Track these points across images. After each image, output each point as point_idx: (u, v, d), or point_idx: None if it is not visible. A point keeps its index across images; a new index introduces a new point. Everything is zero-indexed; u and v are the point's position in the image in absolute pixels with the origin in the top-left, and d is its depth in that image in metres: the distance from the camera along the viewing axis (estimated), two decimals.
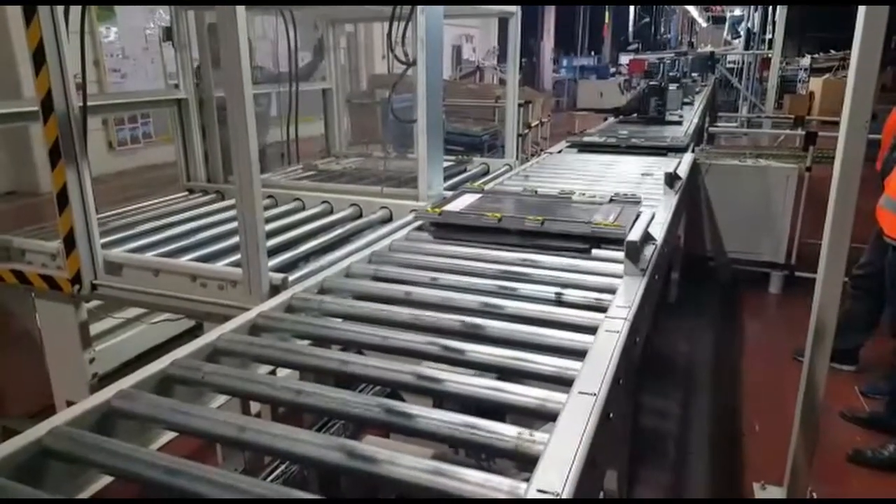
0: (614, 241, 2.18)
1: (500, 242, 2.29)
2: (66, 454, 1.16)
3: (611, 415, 1.27)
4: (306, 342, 1.70)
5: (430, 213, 2.55)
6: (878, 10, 2.10)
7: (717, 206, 5.34)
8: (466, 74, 17.35)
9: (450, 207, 2.59)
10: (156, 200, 3.45)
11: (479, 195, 2.83)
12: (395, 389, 1.48)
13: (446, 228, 2.47)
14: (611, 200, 2.65)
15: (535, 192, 2.94)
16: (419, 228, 2.55)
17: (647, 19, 28.48)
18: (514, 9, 3.99)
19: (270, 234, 2.56)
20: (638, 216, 2.31)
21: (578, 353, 1.45)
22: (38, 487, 1.08)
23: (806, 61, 16.61)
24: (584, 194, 2.79)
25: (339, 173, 4.02)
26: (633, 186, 3.31)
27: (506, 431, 1.16)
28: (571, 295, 1.84)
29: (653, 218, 2.25)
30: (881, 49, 2.15)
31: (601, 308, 1.72)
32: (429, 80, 2.78)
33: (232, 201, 2.52)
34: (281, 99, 3.93)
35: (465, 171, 4.09)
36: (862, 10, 2.13)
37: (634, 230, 2.07)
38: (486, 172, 4.12)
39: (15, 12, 2.53)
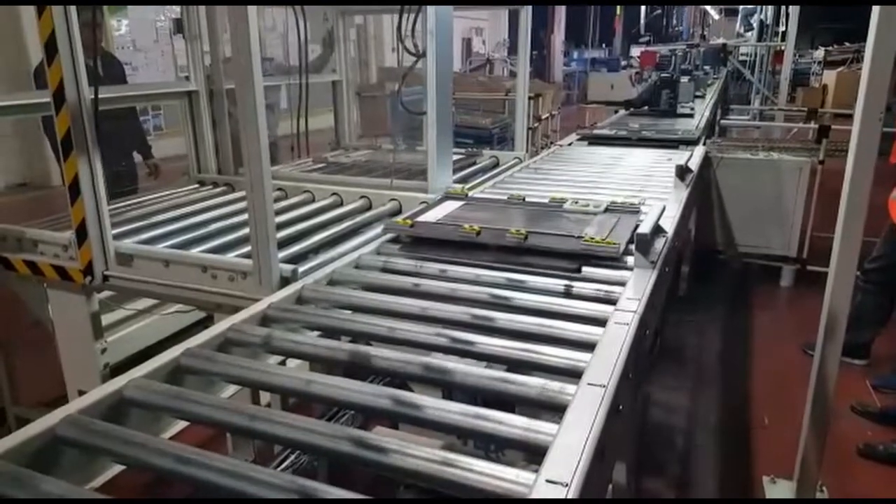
0: (606, 261, 1.99)
1: (476, 262, 2.04)
2: (79, 442, 1.17)
3: (620, 407, 1.27)
4: (316, 333, 1.71)
5: (400, 224, 2.30)
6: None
7: (728, 200, 5.29)
8: (476, 67, 17.32)
9: (424, 218, 2.34)
10: (167, 192, 3.47)
11: (461, 202, 2.62)
12: (404, 380, 1.49)
13: (418, 243, 2.21)
14: (606, 210, 2.41)
15: (523, 199, 2.63)
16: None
17: (659, 11, 28.24)
18: None
19: (280, 226, 2.57)
20: (636, 228, 2.07)
21: (588, 346, 1.45)
22: (50, 475, 1.09)
23: (819, 54, 16.40)
24: (576, 202, 2.51)
25: (348, 166, 4.02)
26: (644, 179, 3.29)
27: (514, 422, 1.16)
28: (581, 287, 1.84)
29: (663, 211, 2.24)
30: None
31: (611, 300, 1.72)
32: (438, 72, 2.77)
33: (242, 193, 2.52)
34: (291, 91, 3.93)
35: (474, 163, 4.08)
36: (876, 7, 2.11)
37: (645, 223, 2.06)
38: (496, 165, 4.10)
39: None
